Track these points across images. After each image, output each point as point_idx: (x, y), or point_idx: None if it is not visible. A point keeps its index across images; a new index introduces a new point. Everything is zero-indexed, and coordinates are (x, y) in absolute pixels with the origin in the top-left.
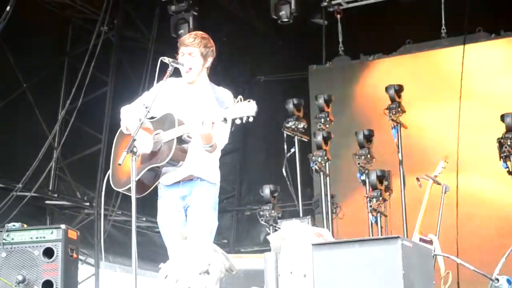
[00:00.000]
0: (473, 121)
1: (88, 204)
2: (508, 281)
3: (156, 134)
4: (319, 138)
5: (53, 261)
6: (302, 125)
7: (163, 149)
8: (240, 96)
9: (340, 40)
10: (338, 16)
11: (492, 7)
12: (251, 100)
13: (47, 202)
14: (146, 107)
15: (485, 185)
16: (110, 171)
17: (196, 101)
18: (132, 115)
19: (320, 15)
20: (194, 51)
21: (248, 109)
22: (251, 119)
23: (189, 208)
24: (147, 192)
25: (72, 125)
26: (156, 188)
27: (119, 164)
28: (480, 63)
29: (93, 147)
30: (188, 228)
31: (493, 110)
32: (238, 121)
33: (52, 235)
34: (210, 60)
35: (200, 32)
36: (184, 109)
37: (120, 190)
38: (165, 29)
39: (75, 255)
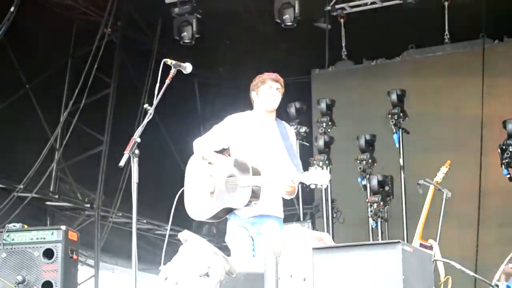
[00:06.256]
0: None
1: (88, 205)
2: (508, 287)
3: (231, 176)
4: (321, 142)
5: (53, 262)
6: (304, 129)
7: (239, 193)
8: (316, 166)
9: (343, 44)
10: (342, 20)
11: (495, 13)
12: (324, 168)
13: (48, 203)
14: (148, 109)
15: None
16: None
17: (266, 140)
18: (206, 147)
19: (324, 19)
20: (280, 89)
21: (321, 177)
22: (324, 186)
23: (259, 236)
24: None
25: (74, 126)
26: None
27: (120, 166)
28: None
29: (95, 149)
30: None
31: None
32: (313, 186)
33: (52, 236)
34: None
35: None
36: (257, 149)
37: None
38: (168, 31)
39: (75, 256)
